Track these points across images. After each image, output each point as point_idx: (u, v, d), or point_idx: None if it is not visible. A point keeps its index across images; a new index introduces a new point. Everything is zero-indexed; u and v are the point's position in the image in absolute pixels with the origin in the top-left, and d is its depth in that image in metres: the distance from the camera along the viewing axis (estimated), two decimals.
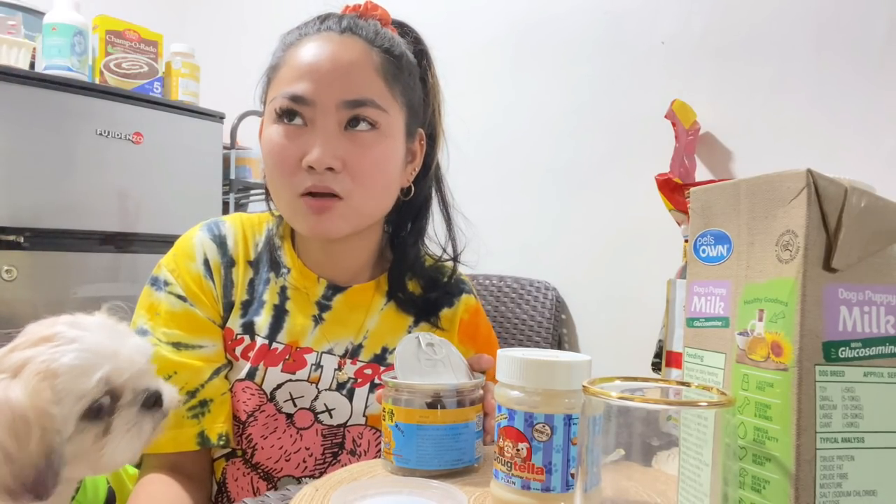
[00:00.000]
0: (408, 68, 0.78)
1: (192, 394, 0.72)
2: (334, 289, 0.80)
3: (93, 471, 0.50)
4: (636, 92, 1.65)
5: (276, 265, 0.79)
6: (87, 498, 0.58)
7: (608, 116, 1.70)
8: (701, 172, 1.54)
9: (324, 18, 0.77)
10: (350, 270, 0.82)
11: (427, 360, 0.62)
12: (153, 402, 0.53)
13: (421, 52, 0.83)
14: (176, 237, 0.81)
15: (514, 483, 0.50)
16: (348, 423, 0.76)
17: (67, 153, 1.82)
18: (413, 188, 0.82)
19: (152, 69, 2.06)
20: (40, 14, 1.94)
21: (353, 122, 0.72)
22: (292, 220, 0.76)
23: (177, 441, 0.70)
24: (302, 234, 0.80)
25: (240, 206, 2.42)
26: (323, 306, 0.79)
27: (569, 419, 0.49)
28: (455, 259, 0.86)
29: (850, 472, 0.35)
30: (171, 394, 0.56)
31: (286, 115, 0.72)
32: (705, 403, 0.36)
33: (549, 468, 0.49)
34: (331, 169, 0.71)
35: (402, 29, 0.83)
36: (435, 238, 0.87)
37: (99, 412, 0.49)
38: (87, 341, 0.49)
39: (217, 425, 0.72)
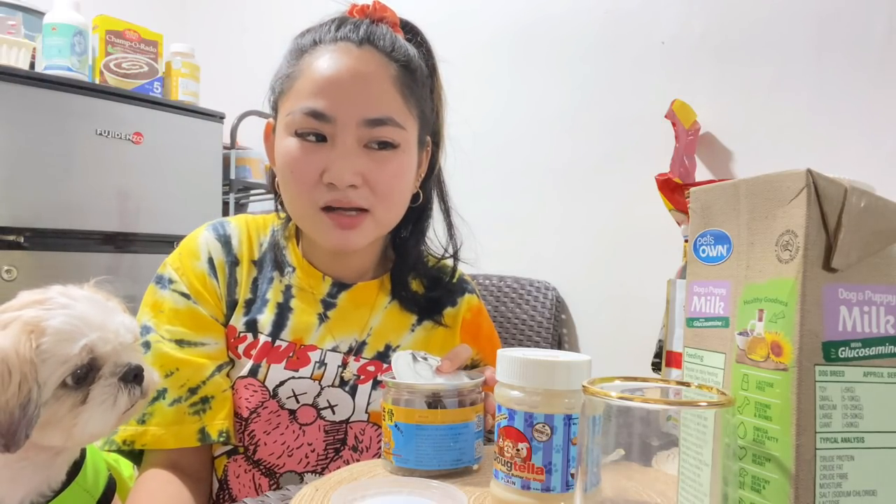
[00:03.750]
0: (421, 80, 0.78)
1: (193, 390, 0.72)
2: (340, 286, 0.81)
3: (65, 439, 0.51)
4: (636, 92, 1.65)
5: (280, 265, 0.80)
6: (87, 482, 0.58)
7: (608, 116, 1.70)
8: (701, 172, 1.54)
9: (339, 24, 0.75)
10: (356, 271, 0.83)
11: (424, 370, 0.63)
12: (132, 377, 0.53)
13: (428, 57, 0.83)
14: (176, 237, 0.82)
15: (514, 483, 0.50)
16: (350, 420, 0.77)
17: (67, 153, 1.82)
18: (420, 193, 0.83)
19: (152, 69, 2.06)
20: (40, 14, 1.94)
21: (373, 143, 0.73)
22: (313, 233, 0.77)
23: (178, 437, 0.71)
24: (310, 238, 0.81)
25: (240, 206, 2.42)
26: (328, 304, 0.80)
27: (569, 419, 0.49)
28: (455, 257, 0.87)
29: (850, 472, 0.35)
30: (151, 374, 0.56)
31: (305, 133, 0.72)
32: (705, 403, 0.36)
33: (549, 468, 0.49)
34: (352, 185, 0.71)
35: (410, 31, 0.82)
36: (435, 238, 0.88)
37: (78, 381, 0.50)
38: (76, 309, 0.51)
39: (217, 422, 0.73)
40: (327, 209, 0.73)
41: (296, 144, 0.72)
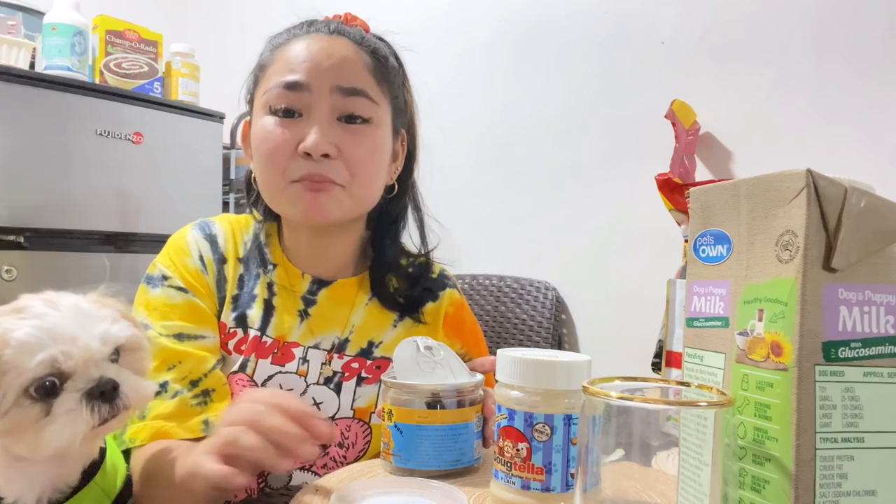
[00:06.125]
0: (393, 70, 0.81)
1: (194, 383, 0.73)
2: (319, 283, 0.82)
3: (31, 451, 0.50)
4: (636, 92, 1.65)
5: (263, 261, 0.82)
6: (106, 480, 0.58)
7: (608, 116, 1.70)
8: (701, 172, 1.54)
9: (311, 22, 0.80)
10: (334, 266, 0.84)
11: (426, 363, 0.63)
12: (99, 393, 0.51)
13: (398, 64, 0.85)
14: None
15: (514, 483, 0.50)
16: (336, 417, 0.78)
17: (67, 153, 1.82)
18: (396, 187, 0.85)
19: (152, 69, 2.06)
20: (40, 14, 1.94)
21: (348, 117, 0.75)
22: (285, 207, 0.77)
23: (186, 428, 0.71)
24: (290, 229, 0.82)
25: (240, 206, 2.42)
26: (308, 301, 0.81)
27: (569, 419, 0.49)
28: (427, 256, 0.89)
29: (850, 472, 0.35)
30: (138, 385, 0.54)
31: (280, 107, 0.74)
32: (705, 403, 0.36)
33: (548, 468, 0.49)
34: (326, 155, 0.73)
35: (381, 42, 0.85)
36: (411, 243, 0.90)
37: (45, 394, 0.49)
38: (48, 320, 0.49)
39: (220, 412, 0.73)
40: (301, 182, 0.74)
41: (271, 121, 0.75)
